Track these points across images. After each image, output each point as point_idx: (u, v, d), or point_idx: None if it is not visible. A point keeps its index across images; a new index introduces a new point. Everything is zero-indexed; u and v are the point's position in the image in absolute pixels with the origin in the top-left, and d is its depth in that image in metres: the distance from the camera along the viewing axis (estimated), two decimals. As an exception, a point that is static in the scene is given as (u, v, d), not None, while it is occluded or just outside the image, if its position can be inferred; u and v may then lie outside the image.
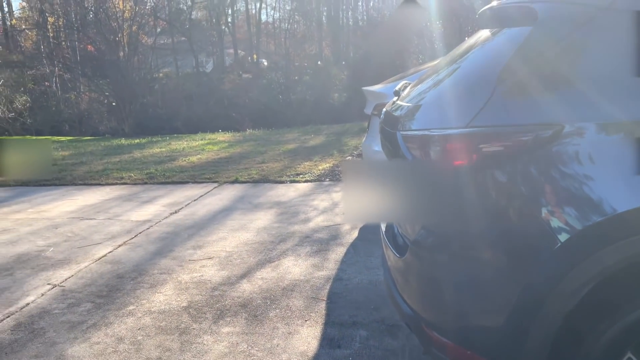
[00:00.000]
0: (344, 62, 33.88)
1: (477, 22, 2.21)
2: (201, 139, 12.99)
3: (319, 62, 37.38)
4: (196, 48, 35.36)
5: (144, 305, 3.19)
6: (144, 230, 4.85)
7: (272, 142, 11.50)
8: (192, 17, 38.70)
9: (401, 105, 2.12)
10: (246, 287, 3.40)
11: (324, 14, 39.61)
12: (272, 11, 45.95)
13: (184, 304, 3.19)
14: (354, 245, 4.16)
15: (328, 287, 3.36)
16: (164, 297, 3.31)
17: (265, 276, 3.58)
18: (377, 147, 4.74)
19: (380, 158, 4.71)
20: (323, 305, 3.10)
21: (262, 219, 5.06)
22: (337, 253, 3.99)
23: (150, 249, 4.27)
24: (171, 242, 4.45)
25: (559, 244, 1.48)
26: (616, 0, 1.58)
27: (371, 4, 38.52)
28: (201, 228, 4.84)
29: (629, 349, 1.52)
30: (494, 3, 2.03)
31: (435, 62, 2.55)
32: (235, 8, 41.66)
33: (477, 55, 1.86)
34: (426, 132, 1.74)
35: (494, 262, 1.61)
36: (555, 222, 1.50)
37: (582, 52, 1.60)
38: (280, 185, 6.72)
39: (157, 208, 5.72)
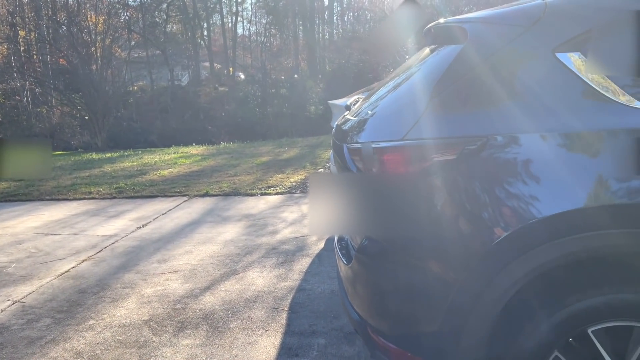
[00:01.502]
0: (320, 76, 34.15)
1: (424, 39, 2.31)
2: (174, 153, 12.94)
3: (295, 76, 37.58)
4: (171, 61, 35.28)
5: (105, 320, 3.19)
6: (110, 245, 4.83)
7: (246, 155, 11.53)
8: (167, 30, 38.60)
9: (349, 119, 2.20)
10: (209, 300, 3.42)
11: (300, 27, 39.94)
12: (248, 24, 46.18)
13: (145, 318, 3.19)
14: (319, 256, 4.22)
15: (291, 297, 3.40)
16: (126, 311, 3.31)
17: (229, 288, 3.61)
18: (342, 159, 4.84)
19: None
20: (284, 315, 3.14)
21: (230, 232, 5.09)
22: (302, 264, 4.04)
23: (114, 264, 4.25)
24: (136, 256, 4.44)
25: (487, 248, 1.57)
26: (540, 20, 1.69)
27: (345, 19, 39.03)
28: (168, 242, 4.84)
29: (555, 348, 1.61)
30: (438, 21, 2.14)
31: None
32: (211, 21, 41.71)
33: (416, 72, 1.95)
34: (367, 145, 1.81)
35: (428, 268, 1.69)
36: (483, 228, 1.58)
37: (508, 69, 1.70)
38: (250, 198, 6.75)
39: (124, 222, 5.69)
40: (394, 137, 1.72)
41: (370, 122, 1.93)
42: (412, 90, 1.84)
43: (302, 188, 7.09)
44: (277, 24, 41.23)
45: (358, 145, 1.86)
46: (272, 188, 7.19)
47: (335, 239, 2.44)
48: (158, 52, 35.55)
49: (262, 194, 6.91)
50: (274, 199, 6.59)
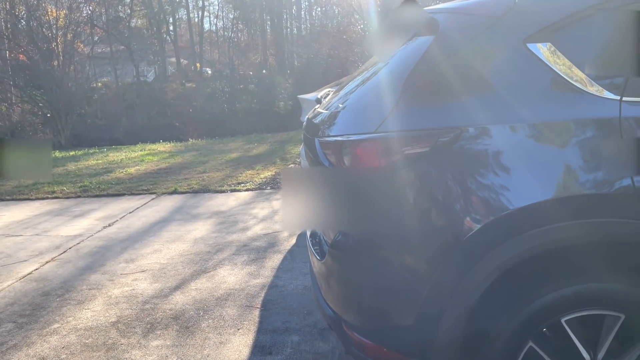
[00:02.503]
0: (288, 71, 34.02)
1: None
2: (141, 150, 12.67)
3: (264, 71, 37.28)
4: (136, 57, 34.56)
5: (70, 323, 3.08)
6: (74, 245, 4.67)
7: (214, 152, 11.38)
8: (132, 25, 37.74)
9: (320, 113, 2.17)
10: (179, 299, 3.34)
11: (268, 23, 39.62)
12: (215, 19, 45.60)
13: (113, 319, 3.09)
14: (291, 252, 4.18)
15: (263, 294, 3.36)
16: (92, 313, 3.20)
17: (199, 287, 3.53)
18: (313, 154, 4.81)
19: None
20: (257, 313, 3.10)
21: (200, 230, 4.99)
22: (274, 260, 3.99)
23: (79, 265, 4.12)
24: (102, 256, 4.31)
25: (461, 241, 1.56)
26: (511, 10, 1.68)
27: (314, 14, 38.94)
28: (135, 241, 4.71)
29: (530, 338, 1.61)
30: None
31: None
32: (176, 16, 40.98)
33: (387, 64, 1.93)
34: (339, 138, 1.78)
35: (403, 262, 1.67)
36: (456, 221, 1.57)
37: (480, 60, 1.69)
38: (220, 195, 6.65)
39: (89, 222, 5.52)
40: (366, 130, 1.70)
41: (341, 115, 1.90)
42: (384, 83, 1.82)
43: (272, 184, 7.03)
44: (245, 19, 40.80)
45: (330, 139, 1.83)
46: (242, 184, 7.10)
47: (308, 234, 2.41)
48: (122, 47, 34.75)
49: (232, 191, 6.82)
50: (244, 196, 6.51)
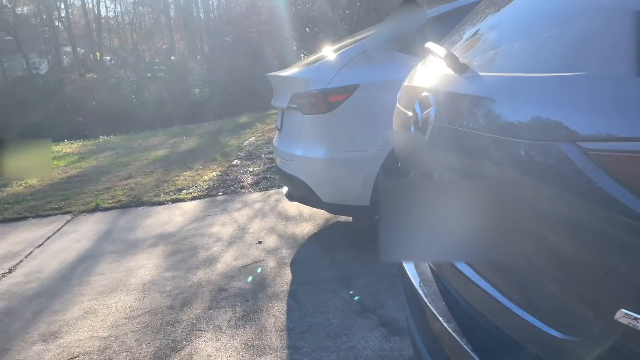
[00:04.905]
0: (199, 57, 32.05)
1: None
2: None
3: (172, 57, 34.95)
4: (25, 47, 30.81)
5: None
6: (-45, 315, 3.09)
7: (135, 150, 9.66)
8: (17, 12, 33.67)
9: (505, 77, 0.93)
10: (148, 418, 1.99)
11: (172, 6, 37.01)
12: (112, 4, 42.02)
13: None
14: (293, 295, 2.92)
15: (285, 387, 2.09)
16: None
17: (175, 383, 2.19)
18: (299, 151, 3.51)
19: (304, 163, 3.51)
20: None
21: (147, 266, 3.57)
22: (275, 314, 2.72)
23: (-36, 356, 2.60)
24: (3, 331, 2.80)
25: None
26: None
27: (222, -4, 36.80)
28: (53, 296, 3.21)
29: None
30: None
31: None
32: (68, 2, 37.28)
33: None
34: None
35: None
36: None
37: None
38: (159, 208, 5.17)
39: (-22, 268, 3.88)
40: None
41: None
42: None
43: (223, 188, 5.64)
44: (146, 2, 37.92)
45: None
46: (185, 191, 5.65)
47: (414, 275, 1.21)
48: (8, 37, 30.84)
49: (173, 201, 5.36)
50: (191, 207, 5.08)
